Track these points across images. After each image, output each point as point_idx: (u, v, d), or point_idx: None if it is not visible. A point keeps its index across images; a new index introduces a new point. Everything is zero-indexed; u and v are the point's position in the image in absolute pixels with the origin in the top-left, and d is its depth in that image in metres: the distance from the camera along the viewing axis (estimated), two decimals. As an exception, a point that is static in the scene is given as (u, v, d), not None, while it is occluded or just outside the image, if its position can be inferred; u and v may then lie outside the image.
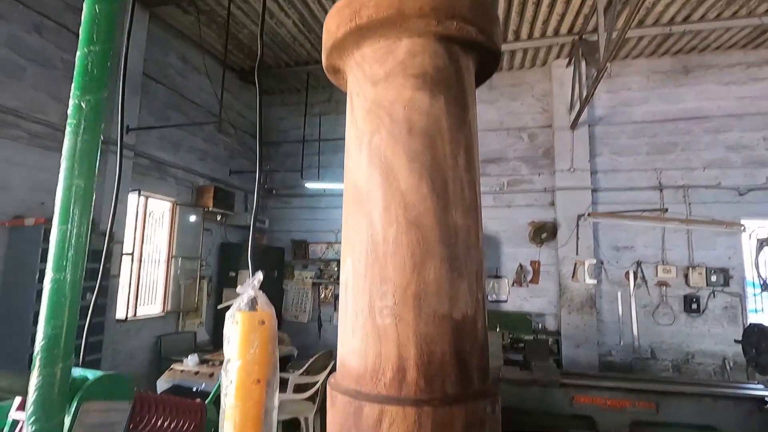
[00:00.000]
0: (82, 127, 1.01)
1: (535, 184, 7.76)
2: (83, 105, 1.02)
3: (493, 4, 5.55)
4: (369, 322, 0.64)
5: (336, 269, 8.29)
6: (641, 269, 7.14)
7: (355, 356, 0.65)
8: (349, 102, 0.80)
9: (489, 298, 7.70)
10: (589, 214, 6.11)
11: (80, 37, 1.03)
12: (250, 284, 0.83)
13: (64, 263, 0.99)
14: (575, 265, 7.07)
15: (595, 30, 6.10)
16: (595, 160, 7.50)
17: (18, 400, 1.05)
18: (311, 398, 4.85)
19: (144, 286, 6.08)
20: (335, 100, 8.84)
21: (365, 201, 0.69)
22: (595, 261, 7.08)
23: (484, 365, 0.68)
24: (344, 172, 0.78)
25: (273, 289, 8.13)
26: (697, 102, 7.20)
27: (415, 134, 0.67)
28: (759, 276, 6.65)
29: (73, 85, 1.05)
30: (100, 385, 1.09)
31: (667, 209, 6.67)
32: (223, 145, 7.60)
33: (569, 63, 7.38)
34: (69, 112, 1.03)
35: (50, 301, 0.97)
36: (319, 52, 5.48)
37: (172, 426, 1.29)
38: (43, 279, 1.07)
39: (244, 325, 0.80)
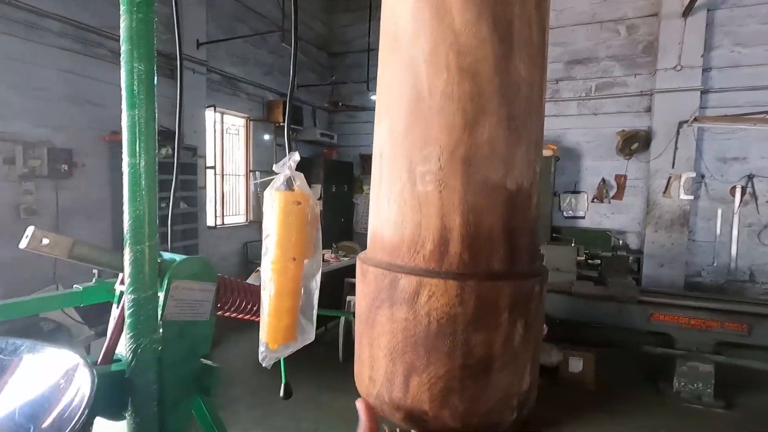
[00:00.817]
0: (135, 4, 0.98)
1: (630, 87, 6.77)
2: None
3: None
4: (408, 189, 0.56)
5: (404, 184, 8.29)
6: (752, 184, 6.20)
7: (389, 227, 0.59)
8: None
9: (565, 213, 7.31)
10: (695, 119, 5.25)
11: None
12: (286, 164, 0.79)
13: (136, 148, 1.03)
14: (669, 179, 6.33)
15: None
16: (710, 55, 6.26)
17: (121, 276, 1.19)
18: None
19: (228, 198, 6.61)
20: (402, 0, 8.12)
21: (408, 45, 0.57)
22: (694, 174, 6.27)
23: (535, 244, 0.59)
24: (381, 16, 0.65)
25: (343, 203, 8.44)
26: None
27: (475, -44, 0.53)
28: None
29: None
30: (186, 266, 1.19)
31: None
32: (289, 56, 7.48)
33: (691, -74, 5.89)
34: None
35: (130, 185, 1.02)
36: (382, -59, 4.88)
37: (254, 309, 1.42)
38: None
39: (280, 205, 0.78)
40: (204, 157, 5.76)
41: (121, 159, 1.02)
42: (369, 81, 7.68)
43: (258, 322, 1.93)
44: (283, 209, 0.76)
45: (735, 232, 6.09)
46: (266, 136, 7.24)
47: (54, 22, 4.17)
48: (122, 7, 0.99)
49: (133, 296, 1.01)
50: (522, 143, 0.55)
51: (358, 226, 8.85)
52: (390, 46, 0.61)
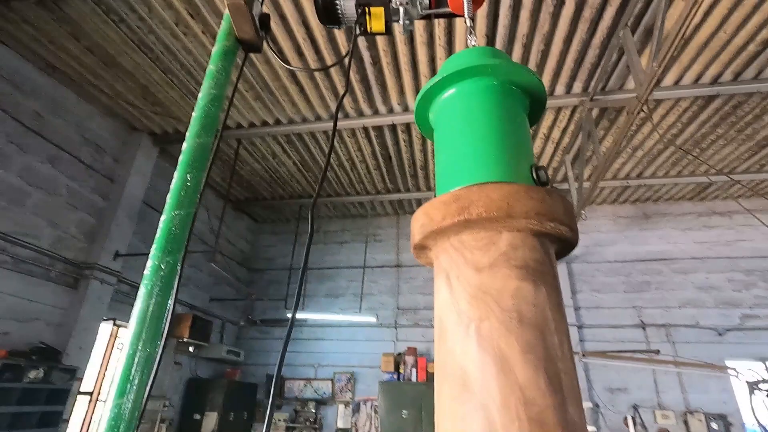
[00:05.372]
0: (157, 289, 1.01)
1: (522, 319, 7.73)
2: (163, 267, 1.04)
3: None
4: None
5: (314, 411, 7.49)
6: (639, 414, 6.77)
7: None
8: (444, 280, 0.85)
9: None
10: (584, 354, 6.01)
11: (168, 202, 1.10)
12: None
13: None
14: (571, 409, 6.67)
15: (565, 179, 6.87)
16: (576, 297, 7.68)
17: None
18: None
19: (96, 430, 5.26)
20: (323, 231, 9.14)
21: (478, 391, 0.68)
22: (591, 404, 6.72)
23: None
24: (439, 350, 0.79)
25: (240, 435, 7.16)
26: (661, 245, 7.80)
27: (525, 325, 0.71)
28: (759, 424, 6.40)
29: (154, 246, 1.08)
30: None
31: (658, 351, 6.65)
32: (207, 272, 7.47)
33: (543, 206, 8.07)
34: (146, 273, 1.03)
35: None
36: (313, 188, 5.76)
37: None
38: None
39: None
40: (81, 379, 4.81)
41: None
42: (287, 298, 7.78)
43: None
44: None
45: (641, 467, 6.23)
46: (164, 354, 6.43)
47: (-41, 226, 3.85)
48: (143, 289, 1.03)
49: None
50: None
51: (253, 466, 7.34)
52: (458, 382, 0.72)
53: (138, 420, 0.90)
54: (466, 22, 1.17)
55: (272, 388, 0.91)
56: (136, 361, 0.94)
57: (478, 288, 0.75)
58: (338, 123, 5.70)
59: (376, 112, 5.60)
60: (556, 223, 0.76)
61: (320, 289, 8.45)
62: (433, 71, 4.84)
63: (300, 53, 4.60)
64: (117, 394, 0.89)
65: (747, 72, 4.72)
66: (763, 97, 5.09)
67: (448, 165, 0.96)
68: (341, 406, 7.50)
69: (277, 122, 5.80)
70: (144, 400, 0.92)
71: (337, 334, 7.98)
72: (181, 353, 6.69)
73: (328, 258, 8.75)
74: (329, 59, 4.62)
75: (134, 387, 0.92)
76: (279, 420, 7.53)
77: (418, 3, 1.25)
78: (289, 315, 7.52)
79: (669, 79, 4.86)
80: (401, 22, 1.30)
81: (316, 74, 4.84)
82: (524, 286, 0.73)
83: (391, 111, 5.52)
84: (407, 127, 5.87)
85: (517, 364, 0.67)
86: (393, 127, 5.88)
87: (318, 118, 5.72)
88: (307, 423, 7.42)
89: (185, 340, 6.48)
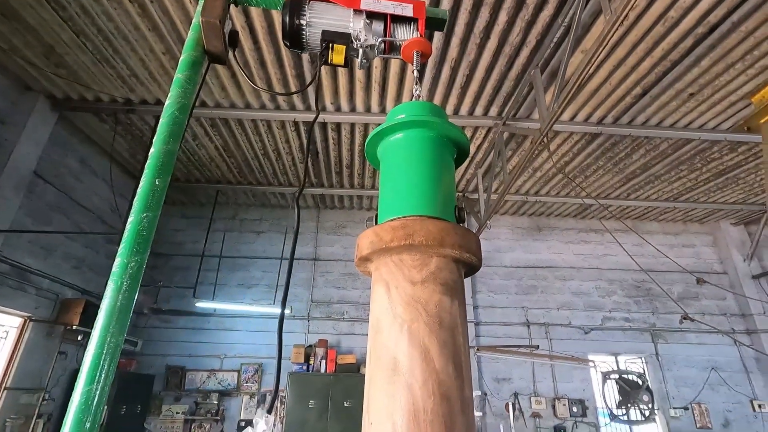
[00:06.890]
0: (126, 285, 1.09)
1: (427, 315, 8.34)
2: (131, 265, 1.11)
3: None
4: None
5: (216, 402, 7.31)
6: (518, 400, 7.76)
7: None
8: (384, 288, 1.07)
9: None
10: (478, 349, 6.72)
11: (135, 205, 1.17)
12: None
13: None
14: (463, 397, 7.41)
15: (476, 190, 7.56)
16: (476, 296, 8.51)
17: None
18: None
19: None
20: (240, 218, 8.88)
21: (405, 374, 0.92)
22: (480, 393, 7.53)
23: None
24: (375, 343, 1.01)
25: (130, 429, 6.73)
26: (549, 254, 8.97)
27: (443, 327, 0.96)
28: (606, 406, 7.75)
29: (122, 246, 1.15)
30: None
31: (538, 346, 7.66)
32: (105, 253, 6.85)
33: (454, 212, 8.77)
34: (114, 270, 1.09)
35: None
36: (234, 174, 5.74)
37: None
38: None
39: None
40: (-58, 369, 4.20)
41: None
42: (197, 286, 7.47)
43: None
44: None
45: (515, 446, 7.16)
46: (48, 342, 5.81)
47: None
48: (111, 286, 1.09)
49: None
50: (475, 437, 0.90)
51: (143, 461, 6.94)
52: (389, 368, 0.95)
53: (104, 404, 0.98)
54: (414, 73, 1.41)
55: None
56: (105, 350, 1.01)
57: (411, 297, 0.99)
58: (268, 114, 5.65)
59: (308, 108, 5.66)
60: (470, 254, 1.04)
61: (232, 278, 8.22)
62: (368, 77, 5.06)
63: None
64: (87, 381, 0.97)
65: (623, 118, 5.70)
66: (633, 140, 6.18)
67: (394, 195, 1.18)
68: (246, 398, 7.42)
69: (203, 104, 5.55)
70: (109, 388, 1.00)
71: (247, 325, 7.86)
72: (68, 342, 6.09)
73: (243, 247, 8.54)
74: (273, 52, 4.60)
75: (102, 375, 0.99)
76: (177, 413, 7.22)
77: (375, 48, 1.45)
78: (198, 304, 7.25)
79: (566, 115, 5.67)
80: (359, 59, 1.50)
81: (252, 64, 4.76)
82: (444, 299, 0.99)
83: (323, 109, 5.62)
84: (337, 126, 6.01)
85: (435, 355, 0.92)
86: (324, 125, 5.98)
87: (248, 106, 5.60)
88: (209, 415, 7.22)
89: (74, 327, 5.91)
